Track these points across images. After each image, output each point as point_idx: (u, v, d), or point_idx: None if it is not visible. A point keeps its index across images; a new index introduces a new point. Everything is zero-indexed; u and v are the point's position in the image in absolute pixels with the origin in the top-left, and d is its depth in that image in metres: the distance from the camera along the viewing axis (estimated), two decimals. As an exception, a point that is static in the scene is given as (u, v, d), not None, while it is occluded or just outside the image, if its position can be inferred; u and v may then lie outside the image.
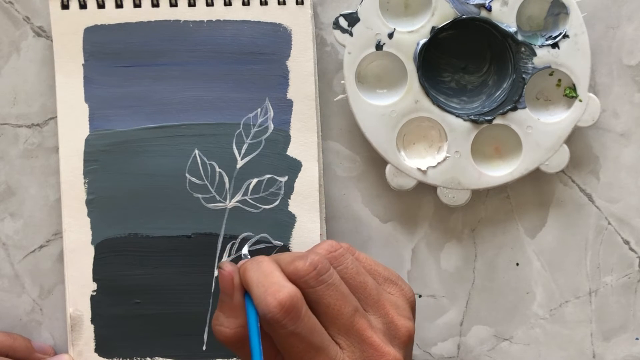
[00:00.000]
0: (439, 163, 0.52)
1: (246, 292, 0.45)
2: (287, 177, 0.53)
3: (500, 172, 0.52)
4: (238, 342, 0.45)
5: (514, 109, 0.52)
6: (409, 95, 0.51)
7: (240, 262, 0.46)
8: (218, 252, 0.53)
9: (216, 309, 0.46)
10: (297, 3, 0.52)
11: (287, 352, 0.44)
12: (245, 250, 0.52)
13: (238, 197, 0.53)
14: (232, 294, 0.45)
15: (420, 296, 0.55)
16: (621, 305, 0.55)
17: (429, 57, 0.52)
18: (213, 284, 0.53)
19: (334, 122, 0.54)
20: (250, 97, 0.52)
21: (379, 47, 0.51)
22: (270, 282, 0.43)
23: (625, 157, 0.55)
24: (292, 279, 0.44)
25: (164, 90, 0.52)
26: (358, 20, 0.51)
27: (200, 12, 0.52)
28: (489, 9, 0.51)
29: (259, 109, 0.53)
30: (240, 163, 0.53)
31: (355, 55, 0.51)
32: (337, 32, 0.51)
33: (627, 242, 0.55)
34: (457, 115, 0.52)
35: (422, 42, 0.51)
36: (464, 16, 0.51)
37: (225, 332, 0.45)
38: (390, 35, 0.51)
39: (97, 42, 0.52)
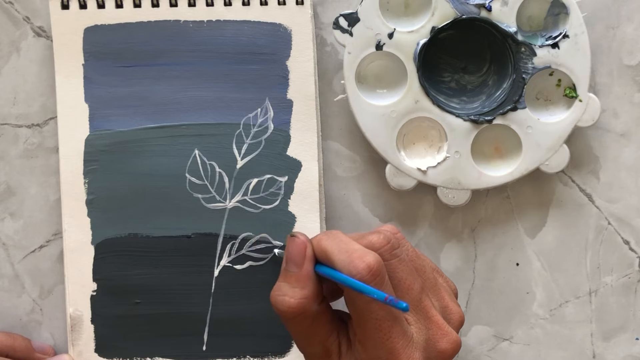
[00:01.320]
0: (439, 163, 0.52)
1: (317, 264, 0.46)
2: (287, 177, 0.53)
3: (500, 172, 0.52)
4: (299, 314, 0.45)
5: (514, 109, 0.52)
6: (409, 95, 0.51)
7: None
8: (218, 252, 0.53)
9: (278, 281, 0.46)
10: (297, 3, 0.52)
11: (365, 320, 0.44)
12: (277, 250, 0.52)
13: (238, 197, 0.53)
14: (301, 264, 0.45)
15: (420, 296, 0.55)
16: (621, 305, 0.55)
17: (429, 57, 0.52)
18: (213, 284, 0.53)
19: (334, 122, 0.54)
20: (250, 97, 0.52)
21: (379, 47, 0.51)
22: (353, 249, 0.44)
23: (625, 157, 0.55)
24: None
25: (164, 90, 0.52)
26: (358, 20, 0.51)
27: (200, 12, 0.52)
28: (489, 9, 0.51)
29: (259, 109, 0.53)
30: (240, 163, 0.53)
31: (355, 55, 0.51)
32: (337, 32, 0.51)
33: (627, 242, 0.55)
34: (457, 115, 0.52)
35: (422, 42, 0.51)
36: (464, 16, 0.51)
37: (290, 302, 0.45)
38: (390, 35, 0.51)
39: (97, 42, 0.52)
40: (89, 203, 0.52)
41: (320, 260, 0.46)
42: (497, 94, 0.53)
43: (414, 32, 0.51)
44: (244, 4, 0.52)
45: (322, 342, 0.46)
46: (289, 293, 0.45)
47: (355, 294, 0.43)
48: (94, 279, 0.53)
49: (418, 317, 0.45)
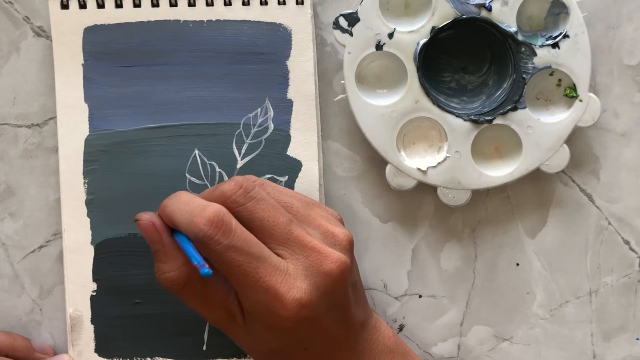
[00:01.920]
0: (439, 163, 0.52)
1: (174, 232, 0.45)
2: (287, 177, 0.53)
3: (500, 172, 0.52)
4: (186, 282, 0.45)
5: (514, 109, 0.52)
6: (409, 95, 0.51)
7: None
8: (218, 252, 0.53)
9: (154, 265, 0.46)
10: (297, 3, 0.52)
11: (229, 271, 0.43)
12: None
13: (238, 197, 0.52)
14: (160, 239, 0.45)
15: (420, 296, 0.55)
16: (621, 305, 0.55)
17: (429, 57, 0.52)
18: (213, 284, 0.53)
19: (334, 122, 0.54)
20: (250, 97, 0.52)
21: (379, 47, 0.51)
22: (193, 207, 0.43)
23: (625, 157, 0.55)
24: (220, 202, 0.44)
25: (164, 90, 0.52)
26: (358, 20, 0.51)
27: (200, 12, 0.52)
28: (489, 9, 0.51)
29: (259, 109, 0.53)
30: (240, 163, 0.53)
31: (355, 55, 0.51)
32: (337, 32, 0.51)
33: (627, 242, 0.55)
34: (457, 115, 0.52)
35: (422, 42, 0.51)
36: (464, 16, 0.51)
37: (171, 276, 0.45)
38: (391, 35, 0.51)
39: (97, 42, 0.52)
40: (88, 203, 0.52)
41: (172, 227, 0.45)
42: (497, 94, 0.53)
43: (414, 32, 0.51)
44: (244, 4, 0.52)
45: (221, 304, 0.45)
46: (166, 268, 0.45)
47: (207, 250, 0.43)
48: (94, 279, 0.53)
49: (292, 249, 0.44)
